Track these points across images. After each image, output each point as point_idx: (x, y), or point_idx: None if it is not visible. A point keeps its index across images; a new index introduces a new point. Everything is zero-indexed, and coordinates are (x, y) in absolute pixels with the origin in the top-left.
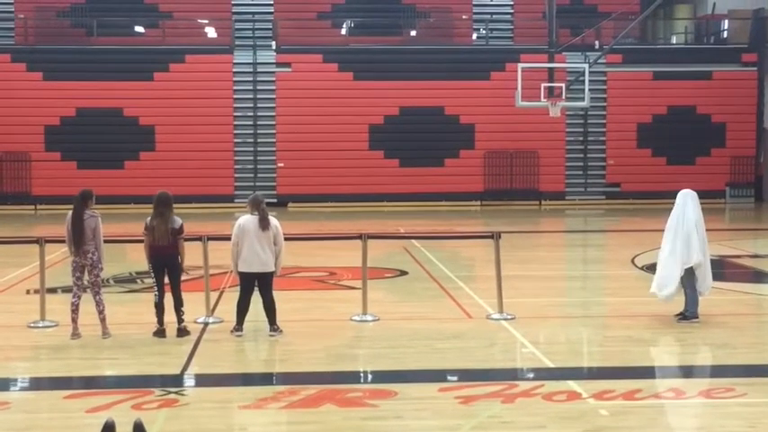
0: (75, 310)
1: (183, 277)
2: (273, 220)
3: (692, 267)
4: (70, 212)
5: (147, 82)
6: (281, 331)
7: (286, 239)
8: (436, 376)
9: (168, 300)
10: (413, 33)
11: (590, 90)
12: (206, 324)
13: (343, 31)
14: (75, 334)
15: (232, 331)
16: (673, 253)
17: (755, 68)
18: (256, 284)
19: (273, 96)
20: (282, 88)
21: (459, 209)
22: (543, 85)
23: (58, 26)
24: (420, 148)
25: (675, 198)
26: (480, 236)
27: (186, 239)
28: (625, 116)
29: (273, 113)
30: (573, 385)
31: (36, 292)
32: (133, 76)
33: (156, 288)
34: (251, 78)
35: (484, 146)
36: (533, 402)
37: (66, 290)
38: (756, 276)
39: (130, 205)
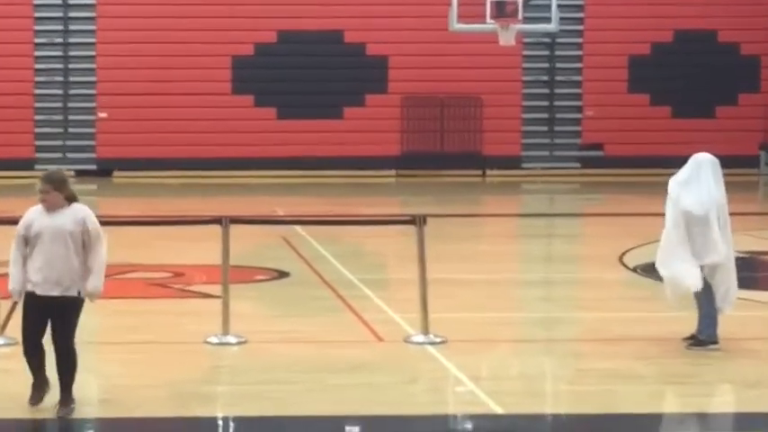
0: None
1: None
2: (83, 210)
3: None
4: None
5: None
6: (73, 408)
7: (110, 224)
8: (331, 426)
9: None
10: None
11: (559, 7)
12: None
13: None
14: None
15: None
16: (684, 246)
17: None
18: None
19: (93, 15)
20: (104, 4)
21: (366, 180)
22: None
23: None
24: (308, 92)
25: (685, 166)
26: (396, 221)
27: None
28: (611, 45)
29: (93, 40)
30: None
31: None
32: None
33: None
34: None
35: (401, 88)
36: None
37: None
38: None
39: None
